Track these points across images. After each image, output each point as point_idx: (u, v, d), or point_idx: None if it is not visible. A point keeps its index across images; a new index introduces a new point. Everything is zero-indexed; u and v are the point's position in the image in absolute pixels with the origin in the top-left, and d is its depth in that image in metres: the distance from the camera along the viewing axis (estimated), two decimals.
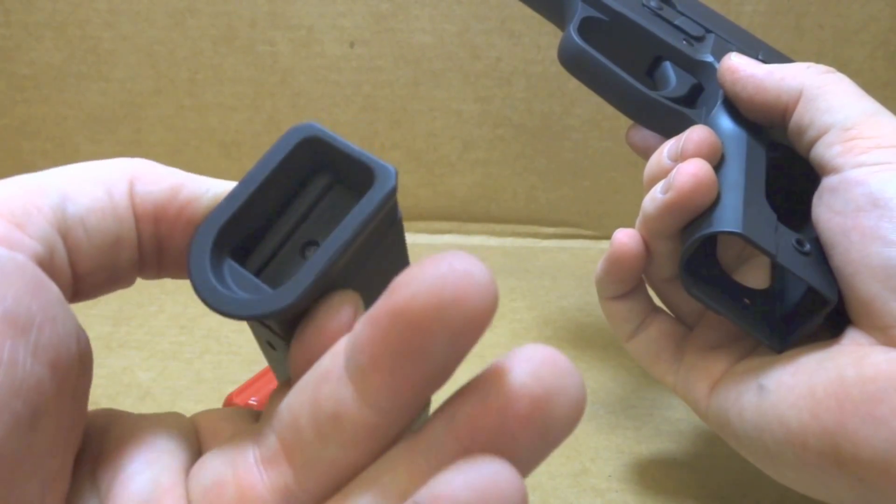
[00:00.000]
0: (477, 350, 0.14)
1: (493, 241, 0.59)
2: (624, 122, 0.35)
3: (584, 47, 0.32)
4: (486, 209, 0.59)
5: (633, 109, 0.33)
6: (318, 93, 0.55)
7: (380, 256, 0.18)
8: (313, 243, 0.17)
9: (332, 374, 0.15)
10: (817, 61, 0.29)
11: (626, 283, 0.30)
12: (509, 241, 0.59)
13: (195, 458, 0.17)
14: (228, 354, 0.41)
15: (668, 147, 0.29)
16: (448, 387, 0.15)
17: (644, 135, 0.34)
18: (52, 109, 0.56)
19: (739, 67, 0.30)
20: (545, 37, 0.53)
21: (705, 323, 0.30)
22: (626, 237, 0.29)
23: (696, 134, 0.28)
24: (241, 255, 0.17)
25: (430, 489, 0.13)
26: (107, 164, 0.17)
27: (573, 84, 0.53)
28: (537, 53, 0.54)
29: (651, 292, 0.31)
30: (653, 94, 0.32)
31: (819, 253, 0.26)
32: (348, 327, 0.15)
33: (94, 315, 0.44)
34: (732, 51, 0.31)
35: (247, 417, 0.19)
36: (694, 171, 0.26)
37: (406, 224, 0.19)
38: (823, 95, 0.27)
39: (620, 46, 0.34)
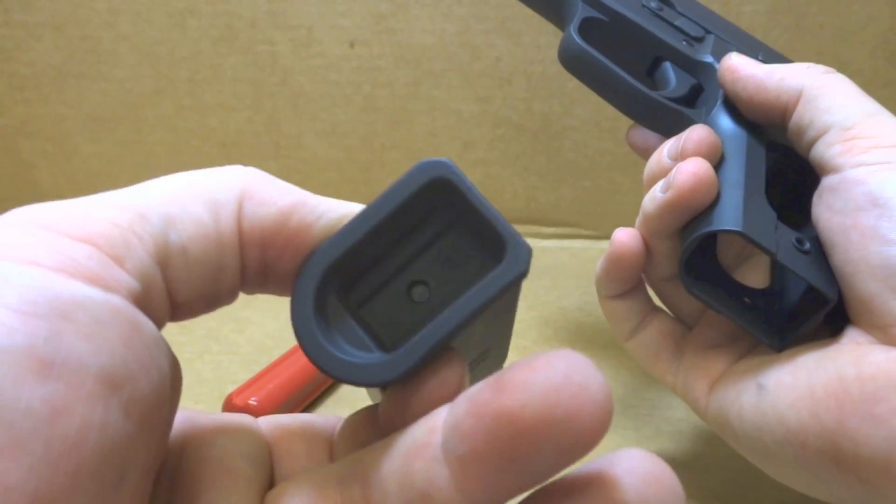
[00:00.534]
0: None
1: None
2: (624, 122, 0.35)
3: (585, 47, 0.32)
4: None
5: (633, 109, 0.33)
6: (318, 93, 0.55)
7: (491, 314, 0.17)
8: (421, 282, 0.16)
9: (427, 450, 0.14)
10: (817, 61, 0.29)
11: (625, 282, 0.30)
12: None
13: (268, 480, 0.16)
14: (228, 354, 0.41)
15: (668, 146, 0.29)
16: None
17: (644, 135, 0.35)
18: (52, 109, 0.56)
19: (740, 67, 0.30)
20: (545, 37, 0.53)
21: (705, 322, 0.30)
22: (625, 236, 0.29)
23: (696, 133, 0.28)
24: (344, 286, 0.16)
25: None
26: (217, 177, 0.16)
27: (573, 84, 0.53)
28: (537, 53, 0.54)
29: (651, 292, 0.31)
30: (653, 94, 0.32)
31: (819, 252, 0.26)
32: (451, 398, 0.15)
33: None
34: (732, 51, 0.32)
35: (319, 438, 0.18)
36: (694, 169, 0.26)
37: None
38: (823, 95, 0.27)
39: (620, 47, 0.34)
